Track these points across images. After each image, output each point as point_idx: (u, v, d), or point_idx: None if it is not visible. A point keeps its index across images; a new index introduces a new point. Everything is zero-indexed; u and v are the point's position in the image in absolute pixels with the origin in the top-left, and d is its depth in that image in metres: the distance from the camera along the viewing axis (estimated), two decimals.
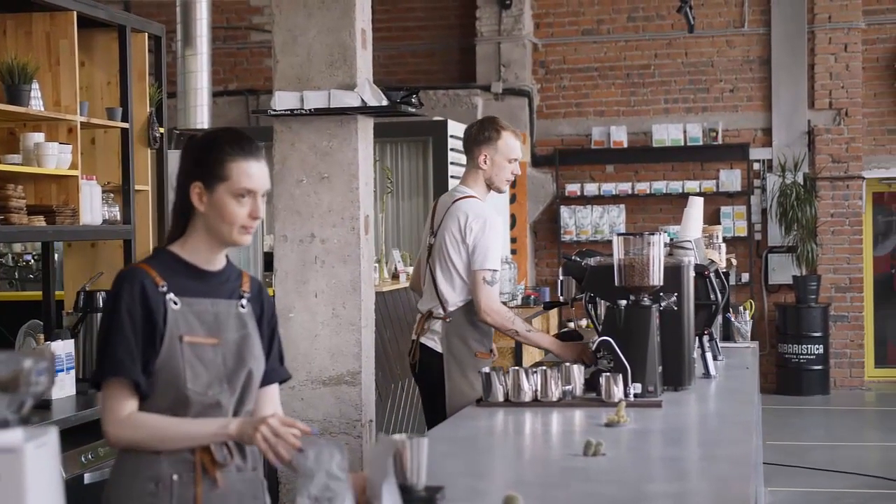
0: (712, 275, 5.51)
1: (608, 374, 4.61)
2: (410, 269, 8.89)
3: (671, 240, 5.66)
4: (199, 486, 3.05)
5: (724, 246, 7.20)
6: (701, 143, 13.89)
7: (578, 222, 14.09)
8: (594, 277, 5.08)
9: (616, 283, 4.82)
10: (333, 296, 6.04)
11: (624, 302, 4.78)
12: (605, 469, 3.53)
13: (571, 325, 12.82)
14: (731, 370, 5.83)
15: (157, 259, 3.14)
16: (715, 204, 13.60)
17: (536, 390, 4.61)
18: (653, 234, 4.82)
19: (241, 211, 3.07)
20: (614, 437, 3.94)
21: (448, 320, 5.39)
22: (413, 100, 6.19)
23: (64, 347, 5.34)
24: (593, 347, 4.85)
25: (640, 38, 14.19)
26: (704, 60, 14.07)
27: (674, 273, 4.95)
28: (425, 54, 14.74)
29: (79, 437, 4.81)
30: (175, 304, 3.06)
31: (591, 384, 4.72)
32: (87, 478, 4.85)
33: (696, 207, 6.12)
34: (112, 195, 6.35)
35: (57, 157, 5.77)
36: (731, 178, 13.83)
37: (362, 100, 5.95)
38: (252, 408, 3.21)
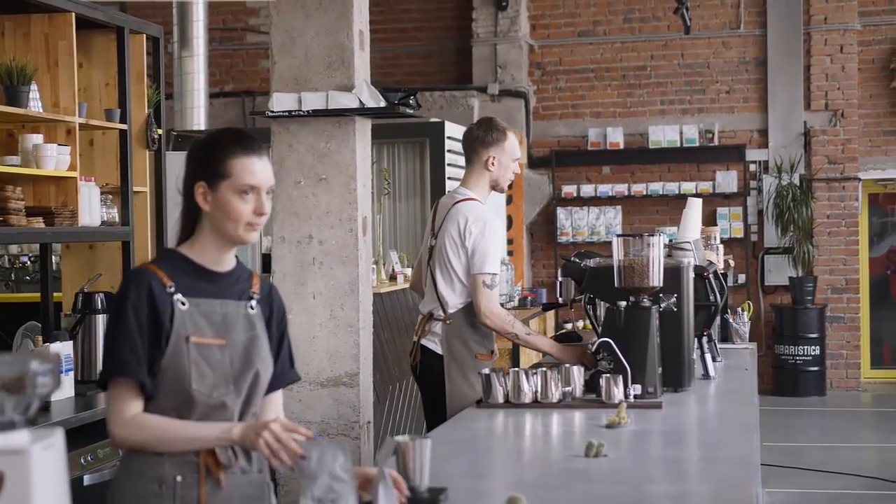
0: (711, 276, 5.52)
1: (608, 375, 4.61)
2: (408, 271, 8.91)
3: (670, 241, 5.67)
4: (203, 488, 3.05)
5: (721, 247, 7.19)
6: (697, 144, 13.90)
7: (575, 224, 14.10)
8: (594, 279, 5.09)
9: (616, 285, 4.82)
10: (331, 297, 6.04)
11: (624, 303, 4.78)
12: (606, 470, 3.53)
13: (569, 326, 12.83)
14: (730, 371, 5.84)
15: (166, 260, 3.14)
16: (711, 205, 13.61)
17: (536, 392, 4.61)
18: (652, 235, 4.82)
19: (246, 208, 3.07)
20: (615, 439, 3.94)
21: (448, 322, 5.39)
22: (411, 101, 6.20)
23: (63, 349, 5.33)
24: (593, 349, 4.85)
25: (636, 39, 14.20)
26: (700, 62, 14.08)
27: (673, 274, 4.96)
28: (421, 56, 14.74)
29: (78, 438, 4.81)
30: (183, 304, 3.06)
31: (591, 385, 4.72)
32: (87, 479, 4.85)
33: (694, 209, 6.12)
34: (110, 196, 6.34)
35: (56, 159, 5.77)
36: (727, 180, 13.84)
37: (360, 101, 5.95)
38: (257, 410, 3.21)
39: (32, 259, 9.60)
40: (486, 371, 4.71)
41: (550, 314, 12.33)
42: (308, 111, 5.98)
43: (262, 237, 9.58)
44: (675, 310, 4.93)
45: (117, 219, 6.33)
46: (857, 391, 13.73)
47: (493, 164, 5.47)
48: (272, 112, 6.01)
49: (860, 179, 13.77)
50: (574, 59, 14.32)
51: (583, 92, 14.30)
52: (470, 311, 5.37)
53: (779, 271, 13.76)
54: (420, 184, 10.91)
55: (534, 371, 4.65)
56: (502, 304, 6.85)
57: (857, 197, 13.78)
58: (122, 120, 6.34)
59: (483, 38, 14.22)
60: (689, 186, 13.79)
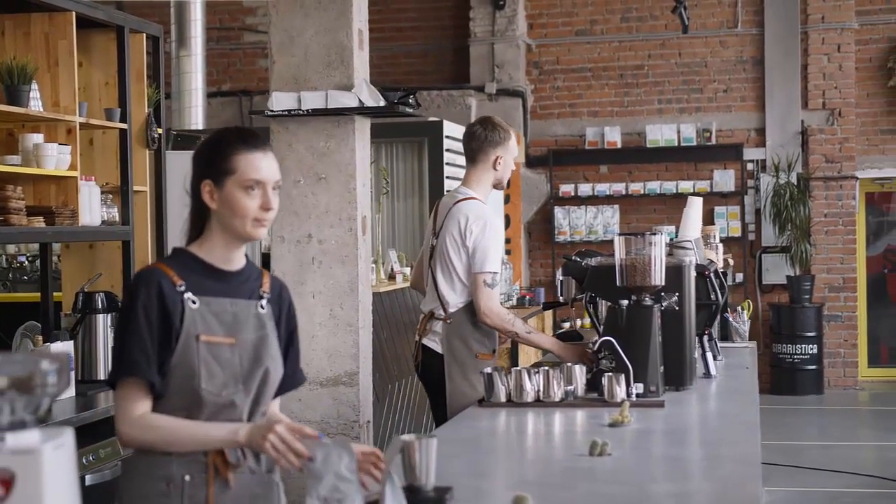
0: (712, 275, 5.52)
1: (610, 374, 4.62)
2: (407, 270, 8.91)
3: (671, 240, 5.67)
4: (211, 487, 3.05)
5: (721, 246, 7.20)
6: (694, 143, 13.91)
7: (572, 223, 14.10)
8: (595, 277, 5.08)
9: (618, 284, 4.82)
10: (331, 296, 6.04)
11: (626, 302, 4.78)
12: (610, 469, 3.53)
13: (567, 325, 12.85)
14: (730, 370, 5.84)
15: (175, 259, 3.14)
16: (709, 204, 13.60)
17: (539, 391, 4.62)
18: (654, 234, 4.82)
19: (252, 203, 3.07)
20: (618, 438, 3.94)
21: (449, 321, 5.39)
22: (410, 100, 6.19)
23: (63, 349, 5.32)
24: (595, 348, 4.85)
25: (633, 38, 14.20)
26: (698, 61, 14.08)
27: (675, 273, 4.96)
28: (419, 55, 14.74)
29: (79, 438, 4.75)
30: (193, 303, 3.05)
31: (593, 384, 4.72)
32: (89, 479, 4.85)
33: (694, 207, 6.12)
34: (111, 196, 6.34)
35: (56, 158, 5.76)
36: (724, 179, 13.84)
37: (360, 100, 5.95)
38: (266, 409, 3.21)
39: (30, 259, 9.60)
40: (489, 370, 4.71)
41: (548, 313, 12.33)
42: (307, 110, 5.97)
43: None
44: (677, 309, 4.94)
45: (117, 218, 6.32)
46: (854, 390, 13.74)
47: (500, 163, 5.47)
48: (271, 111, 6.01)
49: (857, 178, 13.78)
50: (571, 59, 14.32)
51: (580, 91, 14.30)
52: (470, 310, 5.37)
53: (776, 270, 13.77)
54: (419, 183, 10.90)
55: (536, 370, 4.65)
56: (501, 304, 6.85)
57: (855, 196, 13.79)
58: (123, 119, 6.33)
59: (480, 37, 14.22)
60: (686, 185, 13.79)
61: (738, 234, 13.79)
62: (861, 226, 14.17)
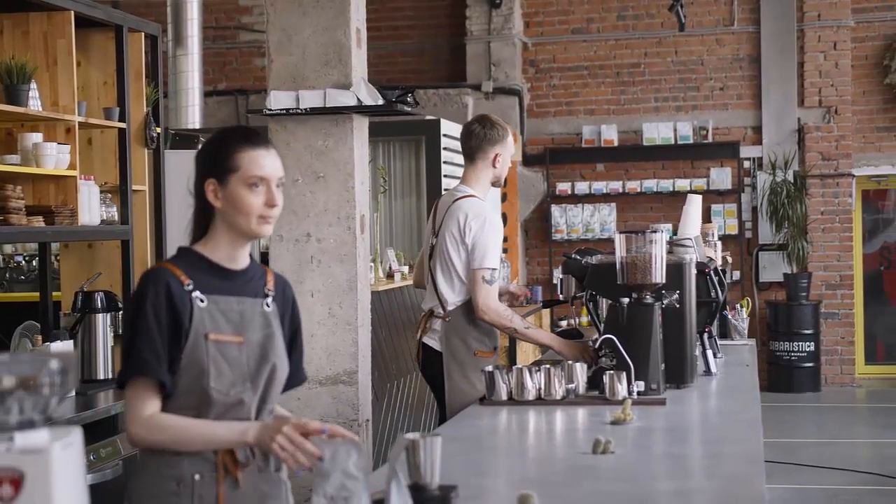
0: (712, 272, 5.52)
1: (611, 372, 4.62)
2: (405, 269, 8.91)
3: (671, 237, 5.67)
4: (221, 486, 3.06)
5: (719, 243, 7.20)
6: (691, 141, 13.92)
7: (569, 221, 14.10)
8: (596, 275, 5.08)
9: (618, 281, 4.82)
10: (330, 295, 6.04)
11: (626, 300, 4.78)
12: (614, 467, 3.53)
13: (564, 323, 12.85)
14: (730, 367, 5.84)
15: (182, 258, 3.14)
16: (706, 202, 13.58)
17: (540, 389, 4.61)
18: (655, 231, 4.82)
19: (257, 200, 3.08)
20: (621, 435, 3.94)
21: (447, 320, 5.38)
22: (409, 98, 6.19)
23: (63, 348, 5.32)
24: (595, 346, 4.85)
25: (629, 36, 14.20)
26: (694, 59, 14.09)
27: (676, 271, 4.96)
28: (415, 53, 14.74)
29: None
30: (201, 301, 3.06)
31: (594, 382, 4.72)
32: (90, 479, 4.84)
33: (694, 205, 6.12)
34: (109, 195, 6.33)
35: (55, 158, 5.75)
36: (721, 177, 13.85)
37: (358, 99, 5.95)
38: (273, 407, 3.21)
39: (27, 258, 9.59)
40: (490, 368, 4.71)
41: (546, 312, 12.33)
42: (306, 109, 5.97)
43: None
44: (678, 306, 4.93)
45: (116, 217, 6.31)
46: (851, 387, 13.76)
47: (498, 161, 5.48)
48: (270, 110, 6.00)
49: (854, 176, 13.79)
50: (568, 57, 14.32)
51: (577, 89, 14.30)
52: (469, 308, 5.36)
53: (773, 268, 13.78)
54: (416, 181, 10.90)
55: (537, 368, 4.65)
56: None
57: (851, 193, 13.80)
58: (121, 118, 6.32)
59: (477, 35, 14.22)
60: (683, 183, 13.80)
61: (734, 231, 13.80)
62: (857, 223, 14.18)
